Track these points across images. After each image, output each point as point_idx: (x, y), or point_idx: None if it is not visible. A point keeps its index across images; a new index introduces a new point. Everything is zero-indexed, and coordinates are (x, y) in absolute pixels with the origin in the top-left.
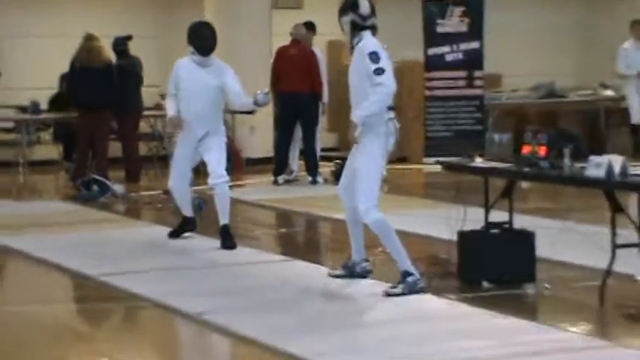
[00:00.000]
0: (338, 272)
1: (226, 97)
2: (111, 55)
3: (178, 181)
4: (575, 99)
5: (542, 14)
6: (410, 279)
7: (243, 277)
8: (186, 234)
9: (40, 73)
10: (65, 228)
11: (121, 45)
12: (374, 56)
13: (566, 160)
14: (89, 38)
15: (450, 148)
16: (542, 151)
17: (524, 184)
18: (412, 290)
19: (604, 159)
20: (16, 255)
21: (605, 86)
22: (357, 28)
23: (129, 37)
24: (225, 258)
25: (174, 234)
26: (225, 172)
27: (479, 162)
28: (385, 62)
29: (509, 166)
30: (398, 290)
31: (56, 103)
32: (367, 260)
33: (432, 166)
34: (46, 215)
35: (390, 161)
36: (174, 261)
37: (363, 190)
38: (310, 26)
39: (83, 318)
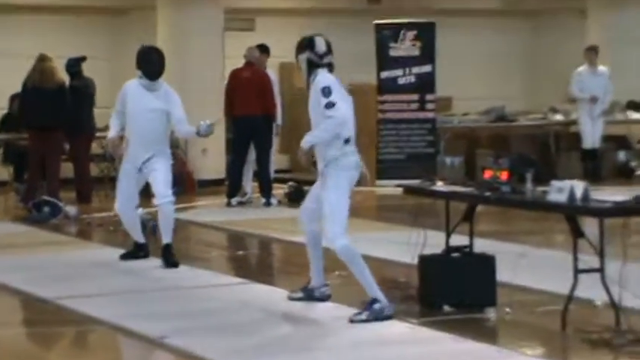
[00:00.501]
0: (298, 295)
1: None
2: (64, 76)
3: (124, 204)
4: (526, 123)
5: (492, 39)
6: (376, 306)
7: (202, 299)
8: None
9: None
10: (17, 250)
11: (74, 66)
12: (326, 90)
13: (528, 185)
14: (42, 59)
15: (402, 171)
16: (503, 175)
17: None
18: (378, 317)
19: (566, 184)
20: None
21: (554, 110)
22: (313, 66)
23: (83, 59)
24: (181, 280)
25: (127, 257)
26: (170, 192)
27: (440, 186)
28: (336, 96)
29: (471, 190)
30: (363, 317)
31: (6, 123)
32: (327, 285)
33: (384, 188)
34: None
35: None
36: (129, 283)
37: (332, 217)
38: (264, 49)
39: (38, 341)
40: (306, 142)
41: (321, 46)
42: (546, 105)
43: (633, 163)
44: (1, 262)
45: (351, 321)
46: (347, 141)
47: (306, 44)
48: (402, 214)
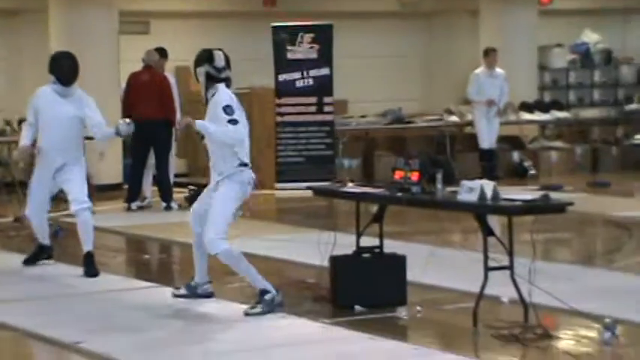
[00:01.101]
0: (181, 292)
1: (87, 127)
2: None
3: (35, 210)
4: (422, 124)
5: (388, 42)
6: (267, 297)
7: (113, 303)
8: (44, 262)
9: None
10: None
11: None
12: (228, 109)
13: (439, 185)
14: None
15: (301, 173)
16: (414, 176)
17: None
18: (271, 307)
19: (476, 184)
20: None
21: (450, 112)
22: (212, 80)
23: None
24: (90, 285)
25: (30, 261)
26: (87, 199)
27: (351, 187)
28: (237, 113)
29: (381, 191)
30: (258, 310)
31: None
32: (210, 282)
33: (283, 191)
34: None
35: None
36: (37, 289)
37: (214, 224)
38: (162, 52)
39: None
40: (201, 124)
41: (219, 60)
42: (442, 107)
43: (527, 163)
44: None
45: (247, 314)
46: (244, 165)
47: (205, 58)
48: (302, 216)
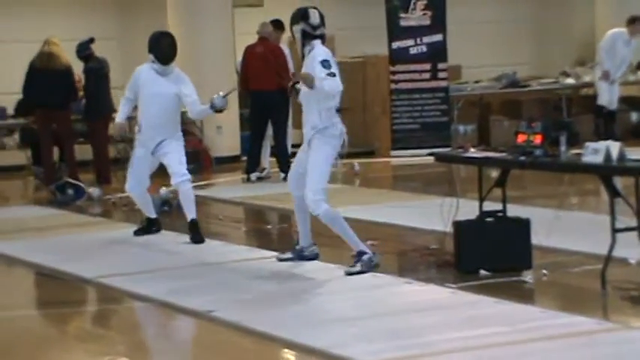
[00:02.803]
0: (287, 256)
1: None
2: (70, 59)
3: (135, 186)
4: (538, 88)
5: (500, 6)
6: (365, 257)
7: (240, 273)
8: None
9: (4, 78)
10: (47, 232)
11: (86, 49)
12: (326, 63)
13: (562, 148)
14: (49, 42)
15: (416, 140)
16: (537, 139)
17: None
18: (369, 267)
19: (601, 145)
20: (9, 260)
21: (566, 74)
22: (307, 37)
23: (91, 40)
24: (216, 256)
25: (140, 232)
26: (186, 171)
27: (473, 152)
28: (335, 69)
29: (504, 155)
30: (357, 268)
31: (20, 108)
32: (314, 244)
33: (399, 159)
34: (25, 220)
35: (358, 154)
36: (164, 260)
37: (312, 185)
38: (278, 24)
39: (90, 319)
40: (314, 83)
41: (315, 18)
42: (556, 70)
43: None
44: (35, 243)
45: (348, 274)
46: (338, 110)
47: (300, 16)
48: (420, 183)
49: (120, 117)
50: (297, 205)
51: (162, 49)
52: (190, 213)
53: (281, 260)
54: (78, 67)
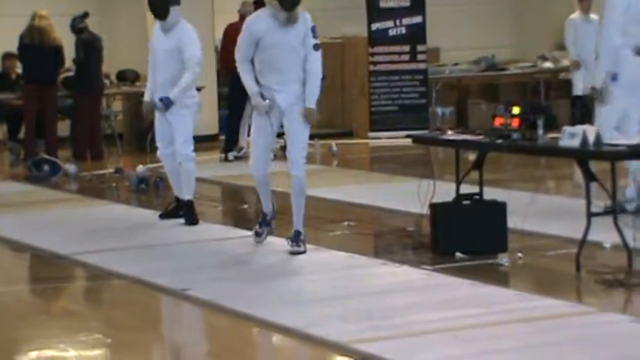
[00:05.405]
0: (262, 230)
1: None
2: (60, 34)
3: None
4: (516, 71)
5: None
6: (302, 237)
7: (218, 252)
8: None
9: None
10: (23, 207)
11: (80, 22)
12: (315, 30)
13: (540, 131)
14: (38, 16)
15: (394, 122)
16: (514, 122)
17: None
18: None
19: (578, 129)
20: None
21: (544, 58)
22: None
23: (86, 14)
24: (195, 234)
25: (167, 216)
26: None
27: (450, 134)
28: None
29: (481, 138)
30: (301, 248)
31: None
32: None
33: (376, 140)
34: (1, 196)
35: (335, 135)
36: (139, 238)
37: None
38: (259, 3)
39: (61, 296)
40: (313, 102)
41: None
42: (535, 53)
43: None
44: (10, 219)
45: (291, 253)
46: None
47: None
48: (398, 165)
49: (145, 96)
50: (261, 180)
51: (151, 5)
52: (188, 193)
53: (256, 234)
54: (68, 42)
